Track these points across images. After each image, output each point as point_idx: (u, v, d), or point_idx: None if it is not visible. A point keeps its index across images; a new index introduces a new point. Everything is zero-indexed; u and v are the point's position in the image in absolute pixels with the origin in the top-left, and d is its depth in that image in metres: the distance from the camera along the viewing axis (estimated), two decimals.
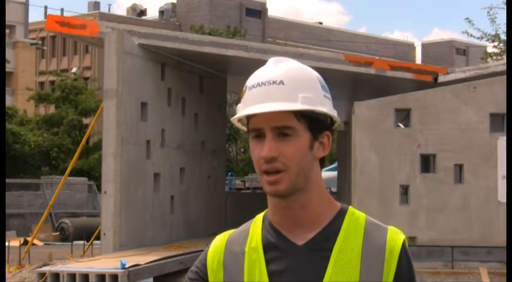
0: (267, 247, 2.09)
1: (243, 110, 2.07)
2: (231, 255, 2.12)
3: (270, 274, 2.06)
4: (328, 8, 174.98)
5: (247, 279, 2.07)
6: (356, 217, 2.11)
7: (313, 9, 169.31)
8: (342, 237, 2.07)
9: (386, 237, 2.08)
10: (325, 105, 2.07)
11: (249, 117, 2.07)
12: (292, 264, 2.05)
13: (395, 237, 2.09)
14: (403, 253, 2.08)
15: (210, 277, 2.13)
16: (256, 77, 2.08)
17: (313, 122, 2.06)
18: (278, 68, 2.07)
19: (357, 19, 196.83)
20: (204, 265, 2.15)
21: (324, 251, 2.05)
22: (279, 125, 2.02)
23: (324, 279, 2.03)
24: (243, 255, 2.10)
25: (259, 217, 2.17)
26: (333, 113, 2.10)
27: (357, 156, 15.11)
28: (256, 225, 2.14)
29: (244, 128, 2.13)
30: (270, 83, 2.04)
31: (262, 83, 2.05)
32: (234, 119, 2.12)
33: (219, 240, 2.17)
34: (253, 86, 2.07)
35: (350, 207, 2.14)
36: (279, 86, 2.04)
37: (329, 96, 2.12)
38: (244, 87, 2.09)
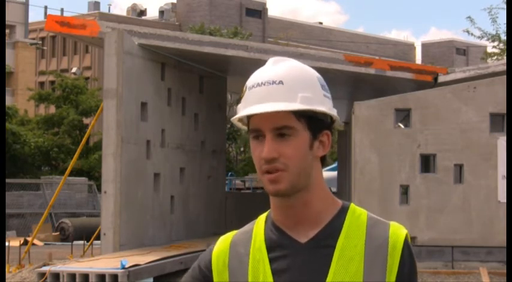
0: (270, 246, 2.09)
1: (243, 110, 2.07)
2: (236, 256, 2.12)
3: (274, 273, 2.06)
4: (325, 7, 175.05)
5: (251, 280, 2.08)
6: (358, 214, 2.12)
7: (311, 9, 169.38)
8: (344, 234, 2.07)
9: (388, 232, 2.08)
10: (324, 105, 2.08)
11: (249, 117, 2.08)
12: (296, 262, 2.06)
13: (398, 232, 2.09)
14: (406, 248, 2.08)
15: (215, 278, 2.14)
16: (256, 77, 2.08)
17: (313, 121, 2.06)
18: (277, 68, 2.08)
19: (355, 18, 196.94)
20: (209, 267, 2.16)
21: (326, 248, 2.06)
22: (279, 126, 2.03)
23: (328, 276, 2.03)
24: (247, 256, 2.10)
25: (262, 218, 2.17)
26: (333, 112, 2.10)
27: (357, 156, 15.11)
28: (259, 226, 2.15)
29: (245, 127, 2.13)
30: (270, 83, 2.05)
31: (261, 83, 2.06)
32: (234, 119, 2.12)
33: (223, 242, 2.18)
34: (253, 86, 2.07)
35: (351, 204, 2.15)
36: (278, 86, 2.04)
37: (329, 95, 2.12)
38: (244, 87, 2.09)
